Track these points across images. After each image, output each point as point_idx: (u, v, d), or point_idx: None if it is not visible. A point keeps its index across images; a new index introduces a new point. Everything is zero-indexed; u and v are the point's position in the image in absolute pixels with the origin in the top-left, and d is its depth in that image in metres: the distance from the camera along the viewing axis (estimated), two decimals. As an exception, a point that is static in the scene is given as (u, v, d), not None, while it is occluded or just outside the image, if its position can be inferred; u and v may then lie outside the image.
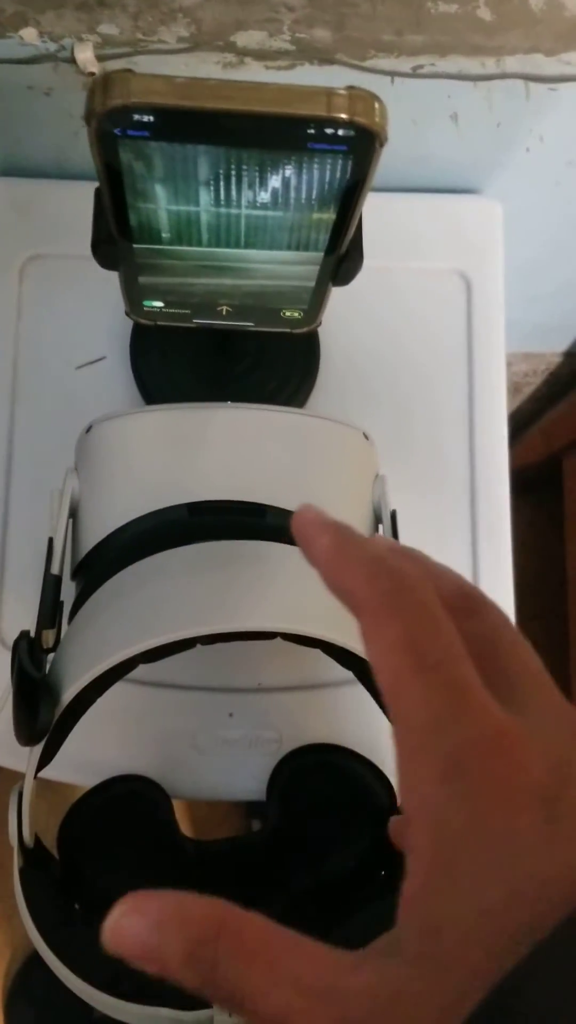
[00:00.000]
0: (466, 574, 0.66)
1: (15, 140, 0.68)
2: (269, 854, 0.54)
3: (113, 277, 0.69)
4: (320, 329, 0.69)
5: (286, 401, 0.68)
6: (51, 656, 0.45)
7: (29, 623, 0.47)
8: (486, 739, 0.19)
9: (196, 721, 0.61)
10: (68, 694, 0.39)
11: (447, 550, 0.67)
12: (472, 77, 0.61)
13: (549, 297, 0.94)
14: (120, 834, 0.54)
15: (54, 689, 0.40)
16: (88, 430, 0.52)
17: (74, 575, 0.51)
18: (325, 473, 0.51)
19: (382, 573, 0.22)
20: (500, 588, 0.66)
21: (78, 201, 0.69)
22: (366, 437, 0.54)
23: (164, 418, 0.50)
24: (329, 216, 0.38)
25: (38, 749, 0.41)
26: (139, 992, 0.42)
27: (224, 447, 0.49)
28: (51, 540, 0.49)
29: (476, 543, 0.67)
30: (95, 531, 0.49)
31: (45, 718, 0.39)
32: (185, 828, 1.09)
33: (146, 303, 0.47)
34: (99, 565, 0.48)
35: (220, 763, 0.61)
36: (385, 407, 0.69)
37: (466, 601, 0.24)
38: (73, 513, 0.51)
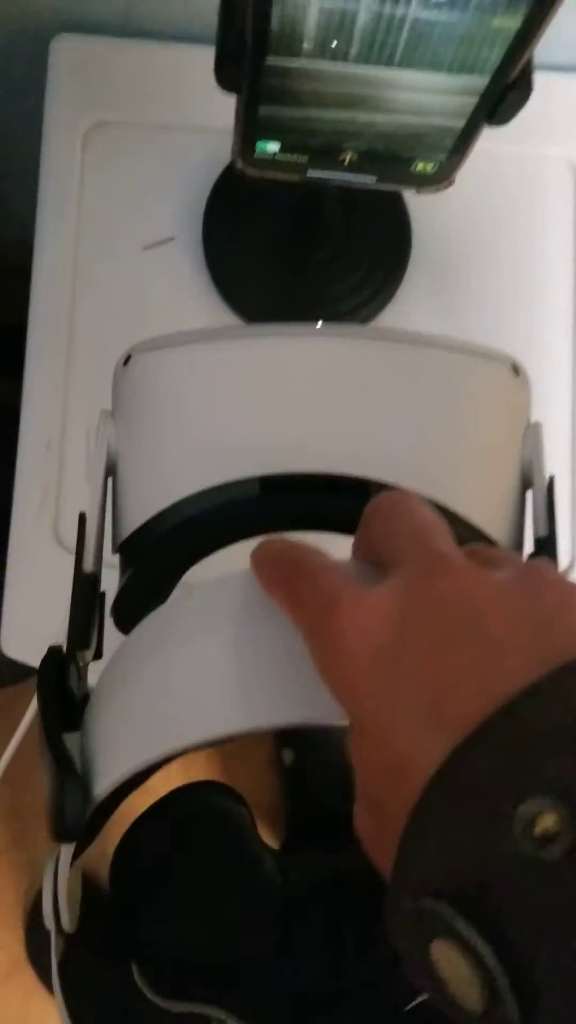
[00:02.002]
0: (564, 496, 0.61)
1: (80, -11, 0.61)
2: (372, 887, 0.44)
3: (186, 149, 0.63)
4: (412, 218, 0.63)
5: (372, 295, 0.62)
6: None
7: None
8: (335, 626, 0.24)
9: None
10: (99, 791, 0.29)
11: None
12: None
13: None
14: (187, 864, 0.43)
15: (86, 768, 0.30)
16: (126, 361, 0.39)
17: (116, 550, 0.39)
18: (458, 431, 0.37)
19: (276, 577, 0.28)
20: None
21: (148, 63, 0.63)
22: (516, 372, 0.39)
23: (231, 350, 0.37)
24: (512, 24, 0.32)
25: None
26: None
27: (314, 394, 0.36)
28: (82, 518, 0.37)
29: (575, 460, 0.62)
30: (140, 501, 0.37)
31: (74, 811, 0.29)
32: (213, 759, 1.05)
33: (259, 147, 0.41)
34: (144, 557, 0.37)
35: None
36: (479, 306, 0.63)
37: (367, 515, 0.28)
38: (112, 471, 0.39)
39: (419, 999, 0.38)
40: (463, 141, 0.39)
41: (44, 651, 0.37)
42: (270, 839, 1.05)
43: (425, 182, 0.43)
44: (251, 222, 0.61)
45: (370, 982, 0.40)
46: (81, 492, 0.60)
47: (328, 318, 0.62)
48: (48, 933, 0.36)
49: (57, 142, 0.63)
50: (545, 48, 0.64)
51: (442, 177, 0.42)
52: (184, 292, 0.62)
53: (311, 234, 0.60)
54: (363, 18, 0.32)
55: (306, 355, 0.36)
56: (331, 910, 0.43)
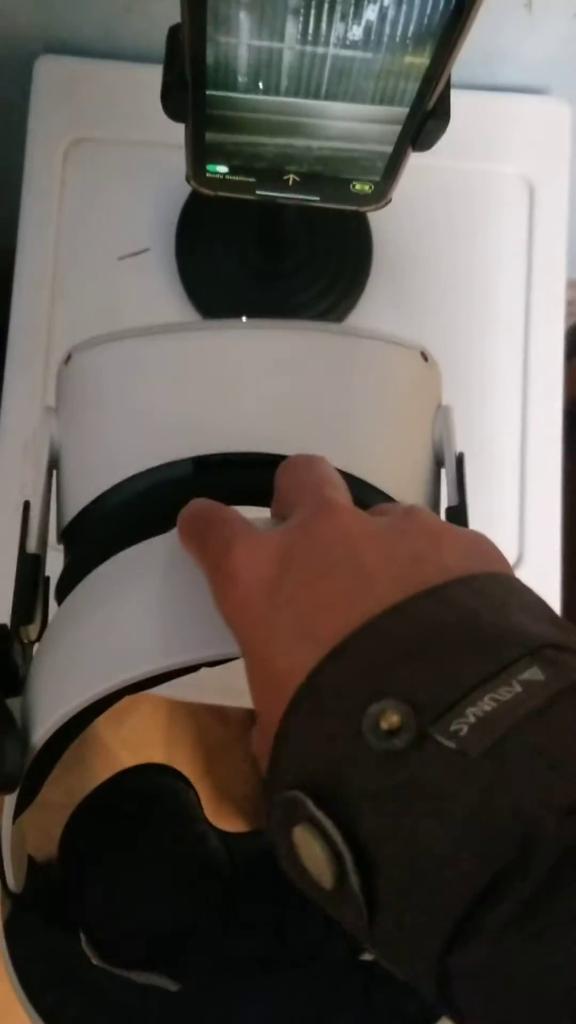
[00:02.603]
0: (512, 495, 0.64)
1: (63, 14, 0.64)
2: None
3: (161, 164, 0.66)
4: (373, 230, 0.66)
5: (335, 303, 0.65)
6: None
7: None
8: (232, 564, 0.27)
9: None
10: (37, 738, 0.31)
11: (494, 469, 0.65)
12: (553, -40, 0.58)
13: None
14: (134, 837, 0.45)
15: (25, 722, 0.31)
16: (67, 360, 0.41)
17: (60, 539, 0.41)
18: (370, 410, 0.40)
19: (193, 531, 0.30)
20: (546, 502, 0.64)
21: (127, 82, 0.67)
22: (425, 357, 0.42)
23: (164, 344, 0.39)
24: (422, 61, 0.35)
25: (13, 796, 0.33)
26: None
27: (242, 381, 0.38)
28: (27, 505, 0.39)
29: (525, 458, 0.65)
30: (82, 487, 0.39)
31: (13, 762, 0.31)
32: (196, 753, 1.08)
33: (210, 168, 0.44)
34: (86, 535, 0.39)
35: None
36: (436, 315, 0.66)
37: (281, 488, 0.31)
38: (55, 465, 0.41)
39: (363, 957, 0.40)
40: (393, 164, 0.42)
41: None
42: (256, 827, 1.08)
43: (364, 201, 0.46)
44: (221, 234, 0.65)
45: (315, 941, 0.42)
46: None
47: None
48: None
49: (39, 157, 0.67)
50: (501, 70, 0.68)
51: (379, 196, 0.45)
52: (158, 300, 0.66)
53: (276, 245, 0.63)
54: (288, 56, 0.35)
55: (231, 347, 0.39)
56: (273, 881, 0.44)
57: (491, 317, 0.66)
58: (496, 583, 0.24)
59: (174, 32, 0.37)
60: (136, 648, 0.31)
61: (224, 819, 0.90)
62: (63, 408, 0.41)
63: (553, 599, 0.64)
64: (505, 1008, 0.19)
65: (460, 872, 0.19)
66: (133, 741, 1.06)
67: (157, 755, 1.07)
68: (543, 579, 0.63)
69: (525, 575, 0.64)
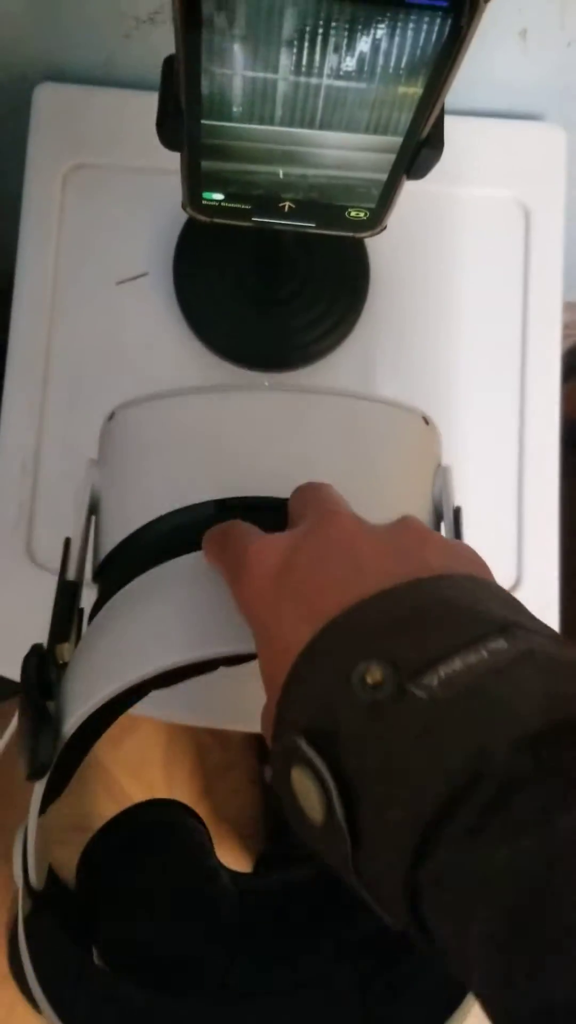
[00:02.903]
0: (510, 518, 0.64)
1: (63, 42, 0.65)
2: (315, 897, 0.47)
3: (159, 190, 0.67)
4: (370, 253, 0.67)
5: (332, 327, 0.66)
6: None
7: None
8: (246, 558, 0.31)
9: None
10: (67, 728, 0.35)
11: (492, 490, 0.65)
12: (547, -11, 0.58)
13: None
14: (150, 866, 0.48)
15: (56, 719, 0.35)
16: (111, 417, 0.46)
17: (95, 577, 0.46)
18: (377, 464, 0.44)
19: (215, 544, 0.36)
20: (544, 524, 0.64)
21: (126, 109, 0.67)
22: (426, 421, 0.47)
23: (195, 403, 0.44)
24: (415, 91, 0.35)
25: (42, 784, 0.36)
26: None
27: (262, 437, 0.43)
28: (67, 541, 0.44)
29: (522, 480, 0.65)
30: (116, 530, 0.43)
31: (45, 752, 0.34)
32: (195, 774, 1.07)
33: (206, 195, 0.45)
34: (118, 568, 0.42)
35: (254, 688, 0.59)
36: (433, 340, 0.67)
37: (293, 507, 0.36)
38: (95, 510, 0.46)
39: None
40: (388, 192, 0.42)
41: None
42: (251, 849, 1.07)
43: (360, 228, 0.46)
44: (218, 259, 0.65)
45: (322, 972, 0.44)
46: (55, 513, 0.63)
47: (290, 349, 0.65)
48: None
49: (39, 182, 0.67)
50: (496, 96, 0.68)
51: (375, 223, 0.46)
52: (155, 324, 0.66)
53: (273, 270, 0.64)
54: (282, 86, 0.36)
55: (254, 408, 0.44)
56: (278, 918, 0.47)
57: (488, 341, 0.66)
58: (474, 581, 0.28)
59: (169, 62, 0.38)
60: (159, 645, 0.34)
61: (222, 840, 0.89)
62: (104, 459, 0.46)
63: (552, 621, 0.64)
64: (461, 909, 0.21)
65: (425, 794, 0.22)
66: (132, 763, 1.05)
67: (156, 776, 1.07)
68: (541, 601, 0.63)
69: (523, 597, 0.64)
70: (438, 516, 0.45)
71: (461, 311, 0.67)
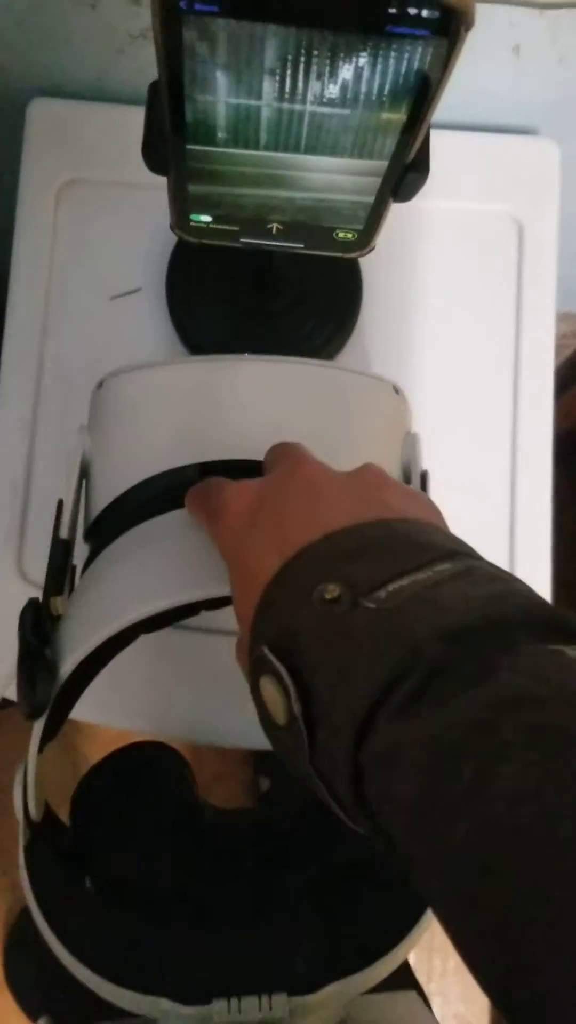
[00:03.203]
0: (502, 527, 0.64)
1: (56, 58, 0.65)
2: (291, 832, 0.52)
3: (152, 205, 0.66)
4: (363, 269, 0.67)
5: (325, 342, 0.65)
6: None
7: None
8: (223, 502, 0.35)
9: (221, 663, 0.60)
10: (64, 669, 0.37)
11: (484, 503, 0.65)
12: (539, 4, 0.58)
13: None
14: (136, 803, 0.52)
15: (54, 662, 0.38)
16: (100, 385, 0.49)
17: (86, 537, 0.49)
18: (350, 430, 0.47)
19: (196, 495, 0.39)
20: (538, 547, 0.64)
21: (119, 125, 0.67)
22: (396, 391, 0.50)
23: (179, 372, 0.46)
24: (399, 117, 0.35)
25: (40, 723, 0.39)
26: (140, 981, 0.41)
27: (243, 404, 0.46)
28: (60, 502, 0.46)
29: (515, 500, 0.65)
30: (106, 492, 0.46)
31: (44, 692, 0.37)
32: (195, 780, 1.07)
33: (193, 217, 0.45)
34: (108, 527, 0.45)
35: (247, 708, 0.59)
36: (426, 352, 0.66)
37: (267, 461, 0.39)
38: (85, 474, 0.48)
39: None
40: (375, 214, 0.42)
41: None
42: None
43: (348, 248, 0.46)
44: (211, 274, 0.65)
45: (295, 886, 0.48)
46: (46, 529, 0.63)
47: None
48: (21, 957, 0.43)
49: (32, 197, 0.67)
50: (489, 111, 0.68)
51: (363, 244, 0.46)
52: (148, 339, 0.66)
53: (266, 286, 0.64)
54: (266, 112, 0.36)
55: (237, 375, 0.46)
56: (257, 845, 0.51)
57: (481, 355, 0.66)
58: (430, 525, 0.31)
59: (154, 88, 0.38)
60: (145, 591, 0.37)
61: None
62: (94, 425, 0.48)
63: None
64: (388, 778, 0.24)
65: (366, 683, 0.25)
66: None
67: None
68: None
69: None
70: (406, 479, 0.49)
71: (454, 325, 0.66)
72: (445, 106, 0.70)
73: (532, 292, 0.67)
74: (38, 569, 0.62)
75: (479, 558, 0.30)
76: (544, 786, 0.21)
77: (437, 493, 0.64)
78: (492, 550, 0.64)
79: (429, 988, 1.19)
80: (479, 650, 0.24)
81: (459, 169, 0.67)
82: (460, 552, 0.29)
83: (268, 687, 0.28)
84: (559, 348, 1.12)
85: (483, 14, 0.57)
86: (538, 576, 0.64)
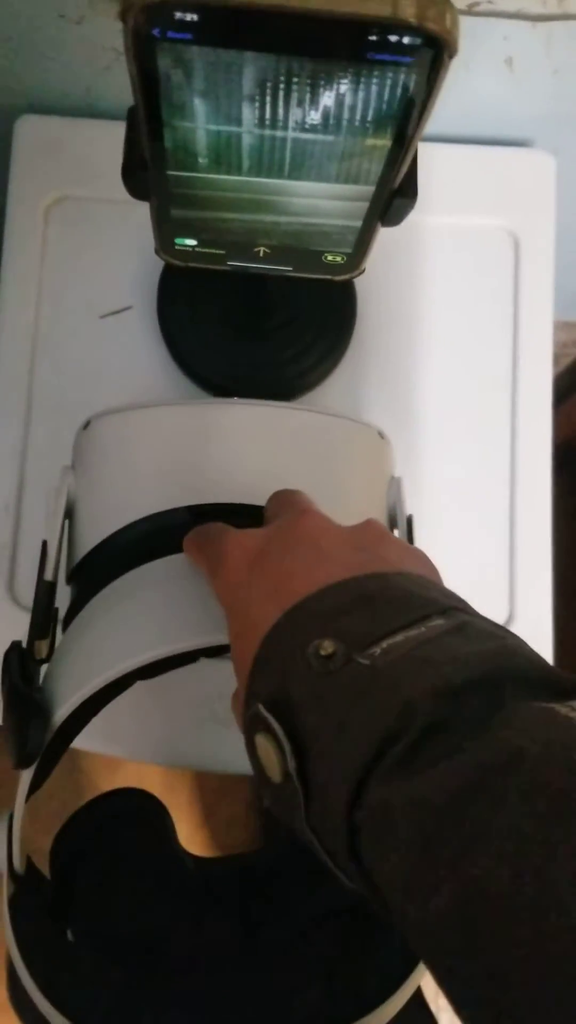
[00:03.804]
0: (502, 542, 0.63)
1: (43, 75, 0.64)
2: (277, 876, 0.50)
3: (142, 222, 0.65)
4: (358, 285, 0.66)
5: (319, 360, 0.64)
6: (45, 668, 0.42)
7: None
8: (224, 549, 0.34)
9: (216, 689, 0.59)
10: (58, 716, 0.37)
11: (484, 519, 0.64)
12: (531, 17, 0.57)
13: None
14: (117, 852, 0.51)
15: (45, 709, 0.37)
16: (86, 426, 0.48)
17: (69, 579, 0.48)
18: (335, 475, 0.47)
19: (196, 541, 0.38)
20: (537, 559, 0.63)
21: (107, 141, 0.66)
22: (381, 436, 0.50)
23: (167, 415, 0.46)
24: (384, 143, 0.34)
25: (29, 772, 0.38)
26: None
27: (230, 447, 0.45)
28: (45, 544, 0.45)
29: (514, 514, 0.64)
30: (92, 534, 0.46)
31: (35, 740, 0.36)
32: (195, 801, 1.08)
33: (178, 241, 0.44)
34: (94, 571, 0.44)
35: (238, 735, 0.58)
36: (423, 368, 0.65)
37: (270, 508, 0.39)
38: (70, 514, 0.48)
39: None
40: (363, 238, 0.41)
41: None
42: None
43: (337, 271, 0.45)
44: (203, 292, 0.64)
45: (284, 939, 0.47)
46: (38, 553, 0.62)
47: (278, 382, 0.64)
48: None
49: (21, 215, 0.66)
50: (484, 124, 0.67)
51: (352, 267, 0.45)
52: (140, 358, 0.65)
53: (259, 303, 0.63)
54: (247, 139, 0.35)
55: (225, 418, 0.46)
56: (242, 896, 0.50)
57: (478, 370, 0.65)
58: (424, 579, 0.31)
59: (132, 113, 0.37)
60: (143, 638, 0.37)
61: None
62: (80, 465, 0.48)
63: (546, 646, 0.63)
64: (385, 836, 0.24)
65: (361, 741, 0.25)
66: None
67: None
68: (535, 633, 0.62)
69: (517, 630, 0.63)
70: (391, 523, 0.49)
71: (450, 340, 0.65)
72: (439, 119, 0.69)
73: (529, 304, 0.66)
74: (30, 594, 0.62)
75: (474, 613, 0.29)
76: (532, 850, 0.20)
77: (442, 502, 0.63)
78: (492, 563, 0.63)
79: (438, 1003, 1.18)
80: (471, 709, 0.24)
81: (454, 182, 0.66)
82: (454, 607, 0.29)
83: (263, 744, 0.28)
84: (559, 357, 1.11)
85: (476, 28, 0.57)
86: (538, 586, 0.63)
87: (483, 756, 0.23)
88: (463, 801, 0.22)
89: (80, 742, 0.50)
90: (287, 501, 0.38)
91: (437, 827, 0.22)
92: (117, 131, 0.65)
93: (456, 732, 0.24)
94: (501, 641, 0.27)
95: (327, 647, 0.27)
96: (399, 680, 0.26)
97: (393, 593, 0.29)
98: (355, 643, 0.27)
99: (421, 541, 0.46)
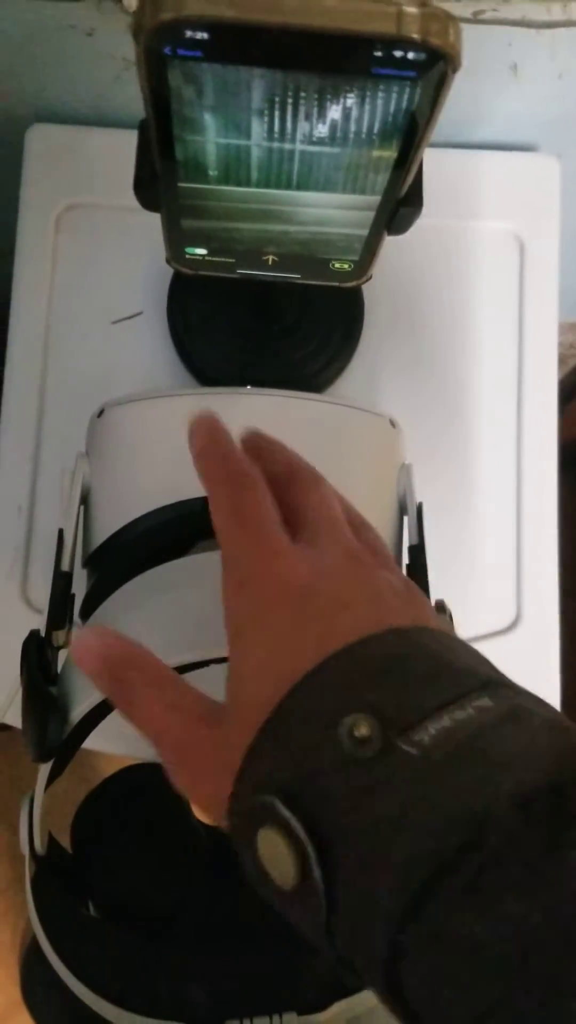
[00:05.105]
0: (509, 544, 0.63)
1: (54, 84, 0.65)
2: None
3: (152, 229, 0.66)
4: (365, 289, 0.66)
5: (328, 362, 0.65)
6: (62, 654, 0.43)
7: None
8: (266, 559, 0.28)
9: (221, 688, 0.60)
10: (76, 713, 0.37)
11: (491, 519, 0.64)
12: (536, 24, 0.58)
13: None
14: (133, 826, 0.52)
15: (63, 703, 0.37)
16: (100, 413, 0.49)
17: (85, 564, 0.48)
18: (347, 463, 0.47)
19: (224, 460, 0.31)
20: (544, 560, 0.64)
21: (117, 149, 0.67)
22: (392, 424, 0.50)
23: (181, 404, 0.47)
24: (390, 154, 0.35)
25: (47, 766, 0.39)
26: (147, 1007, 0.41)
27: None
28: (61, 532, 0.45)
29: (520, 514, 0.64)
30: (107, 521, 0.46)
31: (55, 735, 0.37)
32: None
33: (188, 250, 0.45)
34: (111, 560, 0.45)
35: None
36: (429, 371, 0.66)
37: (290, 475, 0.34)
38: (84, 500, 0.48)
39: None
40: (370, 246, 0.42)
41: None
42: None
43: (345, 278, 0.46)
44: (212, 297, 0.65)
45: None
46: (51, 556, 0.63)
47: (285, 384, 0.65)
48: (38, 975, 0.44)
49: (32, 223, 0.67)
50: (489, 128, 0.68)
51: (359, 274, 0.45)
52: (150, 363, 0.66)
53: (268, 307, 0.63)
54: (256, 152, 0.36)
55: (238, 408, 0.47)
56: None
57: (484, 372, 0.65)
58: (445, 636, 0.27)
59: (143, 126, 0.38)
60: (165, 642, 0.35)
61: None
62: (94, 453, 0.48)
63: (551, 654, 0.63)
64: (451, 968, 0.21)
65: (421, 854, 0.21)
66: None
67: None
68: (541, 637, 0.63)
69: (523, 634, 0.63)
70: (401, 511, 0.49)
71: (457, 341, 0.66)
72: (444, 124, 0.70)
73: (534, 306, 0.66)
74: (42, 596, 0.62)
75: (513, 686, 0.26)
76: None
77: (448, 500, 0.64)
78: (499, 563, 0.64)
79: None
80: (555, 820, 0.21)
81: (459, 186, 0.67)
82: (494, 680, 0.25)
83: (271, 842, 0.23)
84: (564, 358, 1.12)
85: (481, 36, 0.58)
86: (544, 587, 0.64)
87: (557, 888, 0.20)
88: (528, 944, 0.20)
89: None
90: (317, 504, 0.33)
91: (524, 965, 0.20)
92: (127, 139, 0.66)
93: (535, 851, 0.21)
94: (563, 737, 0.24)
95: (363, 729, 0.23)
96: (466, 781, 0.22)
97: (424, 658, 0.25)
98: (393, 723, 0.23)
99: (427, 538, 0.46)
